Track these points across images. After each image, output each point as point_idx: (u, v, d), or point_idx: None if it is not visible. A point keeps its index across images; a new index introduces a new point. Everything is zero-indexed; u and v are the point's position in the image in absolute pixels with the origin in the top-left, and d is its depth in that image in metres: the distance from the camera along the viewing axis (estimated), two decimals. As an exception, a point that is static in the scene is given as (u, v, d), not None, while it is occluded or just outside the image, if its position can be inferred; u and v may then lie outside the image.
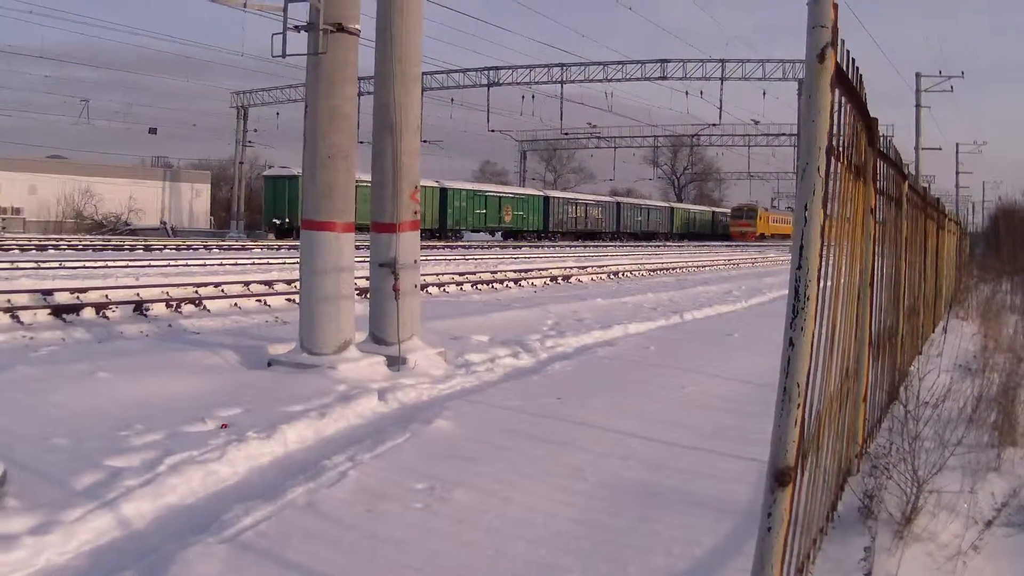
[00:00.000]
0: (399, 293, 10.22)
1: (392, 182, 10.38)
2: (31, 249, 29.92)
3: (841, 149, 3.76)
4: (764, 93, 67.02)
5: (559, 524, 4.91)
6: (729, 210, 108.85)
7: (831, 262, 3.51)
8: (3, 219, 52.25)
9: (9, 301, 14.64)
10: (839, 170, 3.72)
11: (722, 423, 7.51)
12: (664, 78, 58.95)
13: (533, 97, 63.31)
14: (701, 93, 60.62)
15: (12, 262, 22.84)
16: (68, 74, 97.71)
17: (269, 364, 9.78)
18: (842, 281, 4.04)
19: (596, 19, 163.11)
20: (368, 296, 11.05)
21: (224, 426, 6.96)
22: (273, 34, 9.73)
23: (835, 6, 2.82)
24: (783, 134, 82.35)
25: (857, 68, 4.00)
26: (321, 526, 4.81)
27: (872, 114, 5.05)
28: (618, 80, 60.25)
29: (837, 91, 3.13)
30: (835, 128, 3.22)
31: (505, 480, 5.71)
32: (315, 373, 9.31)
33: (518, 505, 5.23)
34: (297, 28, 9.69)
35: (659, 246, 76.77)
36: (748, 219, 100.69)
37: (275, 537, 4.61)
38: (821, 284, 2.94)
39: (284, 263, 27.21)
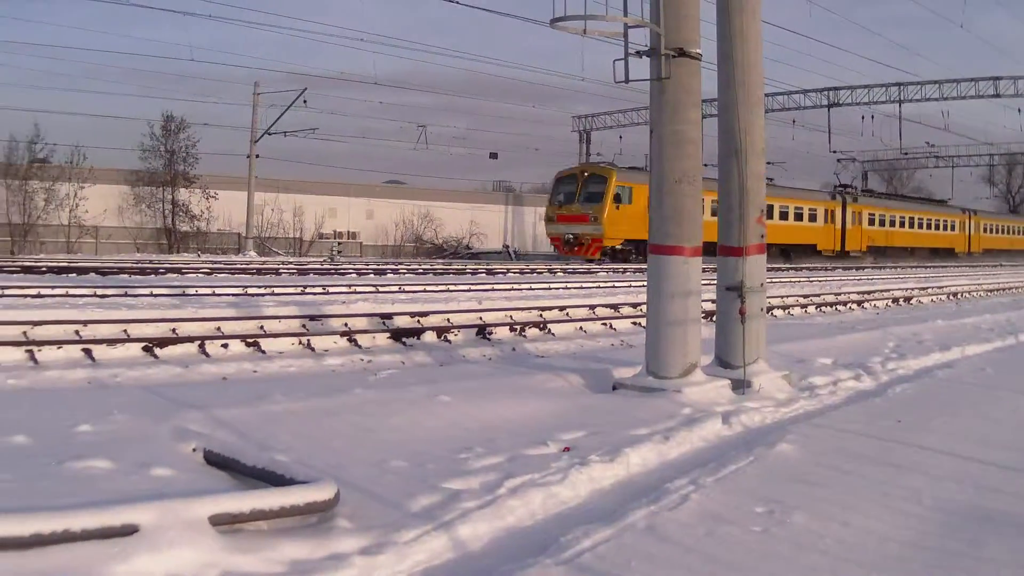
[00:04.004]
0: (745, 316, 10.82)
1: (738, 206, 11.07)
2: (368, 273, 32.40)
3: None
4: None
5: (891, 547, 5.38)
6: None
7: None
8: (339, 243, 57.25)
9: (347, 325, 16.14)
10: None
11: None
12: (997, 95, 60.05)
13: (872, 117, 66.01)
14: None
15: (350, 286, 24.79)
16: (405, 100, 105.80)
17: (614, 387, 10.48)
18: None
19: (929, 36, 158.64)
20: (712, 319, 11.74)
21: (566, 449, 7.42)
22: (615, 60, 10.48)
23: None
24: None
25: None
26: (660, 549, 5.13)
27: None
28: (953, 98, 62.18)
29: None
30: None
31: (843, 503, 6.18)
32: (660, 396, 9.88)
33: (854, 528, 5.67)
34: (639, 53, 10.44)
35: (994, 265, 77.31)
36: None
37: (613, 560, 4.93)
38: None
39: (630, 286, 28.37)
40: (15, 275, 25.67)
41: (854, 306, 28.91)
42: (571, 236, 51.18)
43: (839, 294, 30.90)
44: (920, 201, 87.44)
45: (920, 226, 79.63)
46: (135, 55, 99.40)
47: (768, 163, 12.53)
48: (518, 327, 17.61)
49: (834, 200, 69.04)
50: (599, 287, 28.66)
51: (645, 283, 10.96)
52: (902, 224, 77.03)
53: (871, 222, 72.76)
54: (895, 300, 31.50)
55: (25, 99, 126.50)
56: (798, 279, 39.82)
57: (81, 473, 5.97)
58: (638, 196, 48.87)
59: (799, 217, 64.33)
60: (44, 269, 28.79)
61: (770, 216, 66.06)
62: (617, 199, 50.01)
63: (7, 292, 18.96)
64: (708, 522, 5.63)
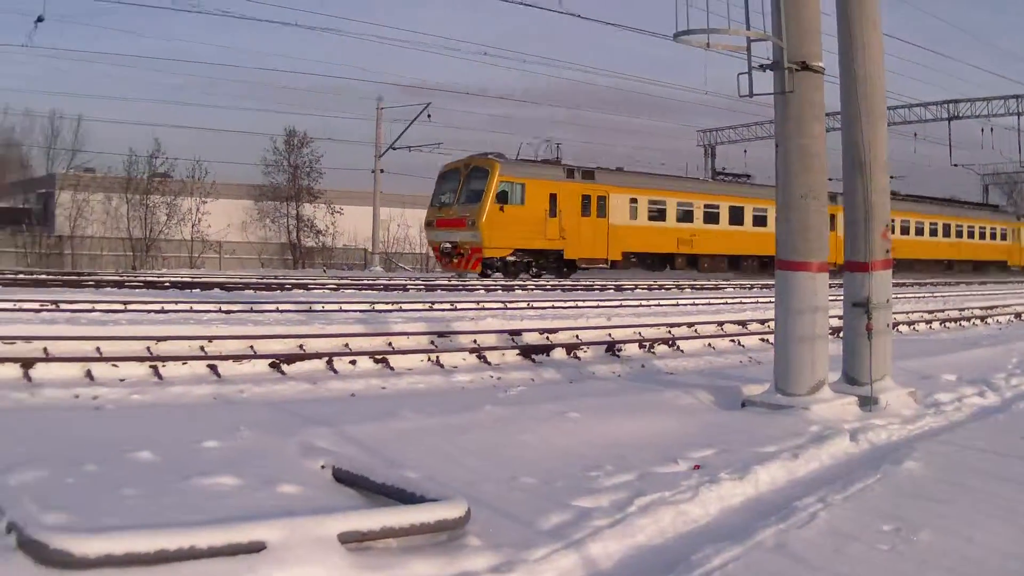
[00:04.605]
0: (871, 332, 10.81)
1: (863, 220, 11.07)
2: (496, 289, 32.71)
3: None
4: None
5: (1015, 565, 5.47)
6: None
7: None
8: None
9: (476, 341, 16.37)
10: None
11: None
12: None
13: (992, 130, 64.57)
14: None
15: (478, 302, 25.16)
16: (528, 114, 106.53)
17: (743, 405, 10.58)
18: None
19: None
20: (840, 335, 11.73)
21: (696, 467, 7.48)
22: (739, 74, 10.52)
23: None
24: None
25: None
26: (788, 567, 5.21)
27: None
28: (1075, 110, 61.04)
29: None
30: None
31: (968, 520, 6.24)
32: (788, 414, 9.96)
33: (979, 545, 5.74)
34: (762, 67, 10.51)
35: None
36: None
37: (742, 578, 5.00)
38: None
39: (757, 302, 28.67)
40: (137, 290, 26.42)
41: (977, 321, 29.16)
42: (449, 245, 43.31)
43: (963, 309, 31.02)
44: (959, 205, 76.30)
45: (967, 235, 72.49)
46: (257, 69, 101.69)
47: (891, 177, 12.43)
48: (647, 344, 17.73)
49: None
50: (726, 303, 28.96)
51: (773, 299, 11.02)
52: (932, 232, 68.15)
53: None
54: (1017, 315, 31.52)
55: (145, 113, 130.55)
56: (922, 294, 39.71)
57: (207, 489, 6.09)
58: (533, 195, 43.34)
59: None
60: (167, 284, 29.47)
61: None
62: (502, 198, 42.10)
63: (130, 307, 19.55)
64: (835, 540, 5.68)
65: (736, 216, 52.69)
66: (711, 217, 51.77)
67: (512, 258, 42.75)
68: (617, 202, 46.84)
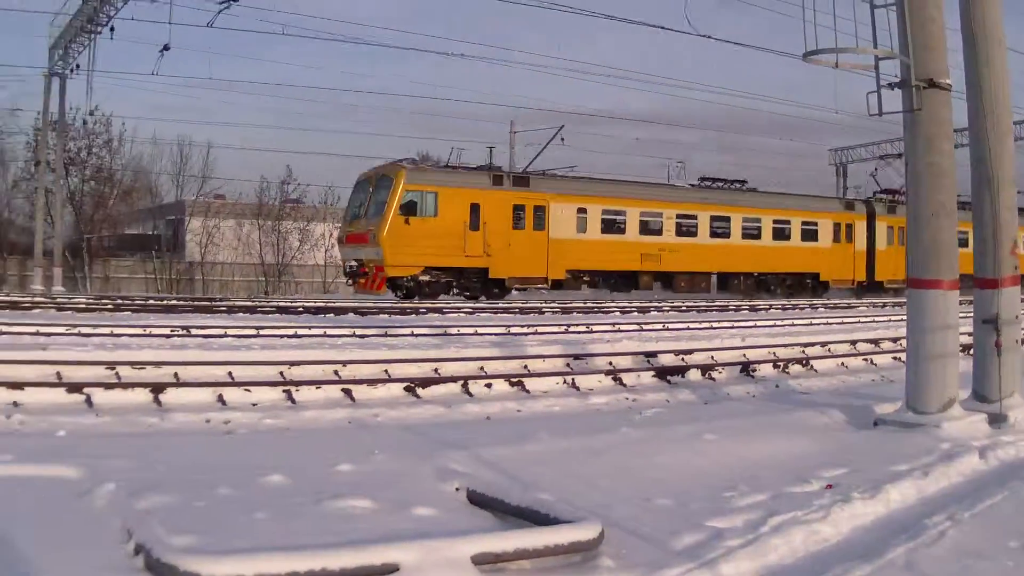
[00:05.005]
0: (1000, 349, 10.73)
1: (991, 237, 10.98)
2: (632, 311, 32.73)
3: None
4: None
5: None
6: None
7: None
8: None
9: (611, 363, 16.48)
10: None
11: None
12: None
13: None
14: None
15: (613, 324, 25.24)
16: (661, 136, 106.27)
17: (875, 423, 10.61)
18: None
19: None
20: (970, 352, 11.61)
21: (829, 486, 7.52)
22: (868, 92, 10.66)
23: None
24: None
25: None
26: None
27: None
28: None
29: None
30: None
31: None
32: (919, 432, 9.99)
33: None
34: (890, 85, 10.60)
35: None
36: None
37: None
38: None
39: (889, 320, 28.22)
40: (270, 315, 26.75)
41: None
42: (355, 263, 38.34)
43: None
44: None
45: None
46: (385, 94, 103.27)
47: (1019, 192, 12.22)
48: (781, 363, 17.67)
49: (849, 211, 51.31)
50: (859, 322, 28.87)
51: (904, 317, 11.02)
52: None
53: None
54: None
55: (276, 140, 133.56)
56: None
57: (340, 512, 6.23)
58: (449, 205, 37.46)
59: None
60: (300, 309, 29.60)
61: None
62: (408, 209, 36.43)
63: (263, 332, 19.92)
64: (964, 558, 5.75)
65: (721, 227, 45.88)
66: (687, 229, 44.82)
67: (426, 277, 37.41)
68: (560, 212, 40.52)
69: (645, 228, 43.20)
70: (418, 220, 36.45)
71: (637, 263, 42.59)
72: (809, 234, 48.43)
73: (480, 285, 38.92)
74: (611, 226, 42.18)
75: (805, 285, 48.22)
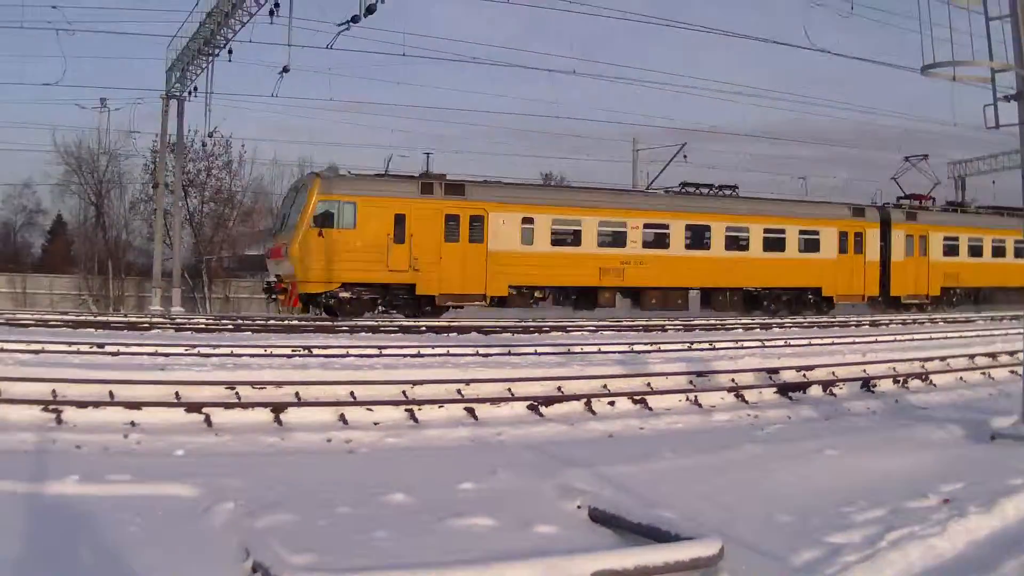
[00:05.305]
0: None
1: None
2: (755, 327, 32.55)
3: None
4: None
5: None
6: None
7: None
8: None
9: (733, 380, 16.58)
10: None
11: None
12: None
13: None
14: None
15: (736, 341, 25.37)
16: (782, 152, 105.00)
17: (992, 438, 10.61)
18: None
19: None
20: None
21: (946, 501, 7.62)
22: (984, 105, 10.74)
23: None
24: None
25: None
26: None
27: None
28: None
29: None
30: None
31: None
32: None
33: None
34: (1006, 98, 10.63)
35: None
36: None
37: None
38: None
39: (1007, 334, 27.78)
40: (393, 335, 26.89)
41: None
42: (275, 278, 35.61)
43: None
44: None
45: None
46: (513, 114, 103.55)
47: None
48: (900, 379, 17.63)
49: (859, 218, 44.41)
50: (978, 336, 28.35)
51: (1022, 331, 11.01)
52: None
53: (947, 251, 46.83)
54: None
55: (402, 161, 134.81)
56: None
57: (461, 530, 6.39)
58: (371, 216, 33.82)
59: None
60: (423, 329, 29.23)
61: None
62: (323, 221, 33.26)
63: (385, 352, 20.00)
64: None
65: (699, 238, 40.57)
66: (657, 240, 39.55)
67: (346, 294, 34.14)
68: (501, 223, 36.16)
69: (605, 239, 38.39)
70: (334, 232, 33.45)
71: (595, 278, 38.03)
72: (809, 244, 42.73)
73: (408, 303, 35.50)
74: (564, 237, 37.77)
75: (806, 301, 42.93)
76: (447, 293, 35.24)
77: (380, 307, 34.86)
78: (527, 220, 36.76)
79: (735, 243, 40.95)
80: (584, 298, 38.31)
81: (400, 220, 34.32)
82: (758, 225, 41.51)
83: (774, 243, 41.66)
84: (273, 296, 35.79)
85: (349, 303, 33.90)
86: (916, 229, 45.32)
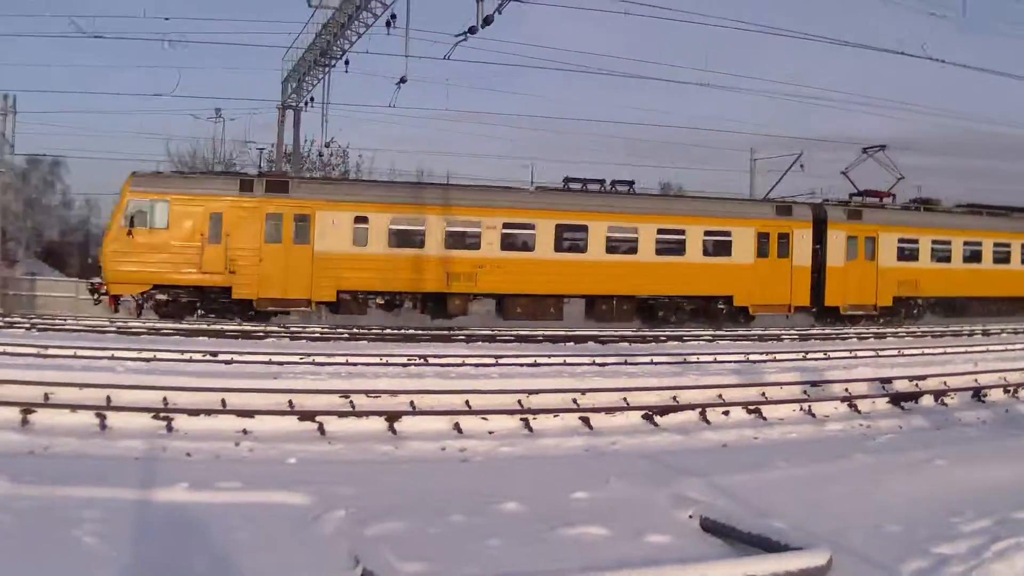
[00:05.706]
0: None
1: None
2: (869, 337, 32.20)
3: None
4: None
5: None
6: None
7: None
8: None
9: (847, 390, 16.73)
10: None
11: None
12: None
13: None
14: None
15: (850, 350, 25.28)
16: (900, 161, 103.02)
17: None
18: None
19: None
20: None
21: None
22: None
23: None
24: None
25: None
26: None
27: None
28: None
29: None
30: None
31: None
32: None
33: None
34: None
35: None
36: None
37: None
38: None
39: None
40: (509, 344, 26.80)
41: None
42: (98, 280, 33.30)
43: None
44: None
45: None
46: (626, 124, 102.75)
47: None
48: (1011, 388, 17.56)
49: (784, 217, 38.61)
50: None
51: None
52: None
53: (903, 255, 40.30)
54: None
55: (515, 171, 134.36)
56: None
57: (574, 539, 6.54)
58: (184, 216, 31.96)
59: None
60: (540, 338, 29.29)
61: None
62: (135, 221, 31.55)
63: (501, 361, 20.25)
64: None
65: (572, 239, 36.12)
66: (520, 242, 35.71)
67: (163, 296, 32.58)
68: (329, 223, 33.39)
69: (454, 240, 34.71)
70: (145, 232, 31.71)
71: (441, 283, 34.52)
72: (718, 247, 37.48)
73: (226, 307, 33.38)
74: (404, 238, 34.42)
75: (716, 311, 37.62)
76: (267, 297, 33.04)
77: (200, 311, 33.21)
78: (360, 220, 33.93)
79: (621, 245, 36.42)
80: (433, 304, 35.27)
81: (216, 219, 32.52)
82: (649, 225, 36.82)
83: (671, 246, 36.93)
84: (97, 298, 33.16)
85: (166, 305, 32.57)
86: (861, 229, 39.52)
